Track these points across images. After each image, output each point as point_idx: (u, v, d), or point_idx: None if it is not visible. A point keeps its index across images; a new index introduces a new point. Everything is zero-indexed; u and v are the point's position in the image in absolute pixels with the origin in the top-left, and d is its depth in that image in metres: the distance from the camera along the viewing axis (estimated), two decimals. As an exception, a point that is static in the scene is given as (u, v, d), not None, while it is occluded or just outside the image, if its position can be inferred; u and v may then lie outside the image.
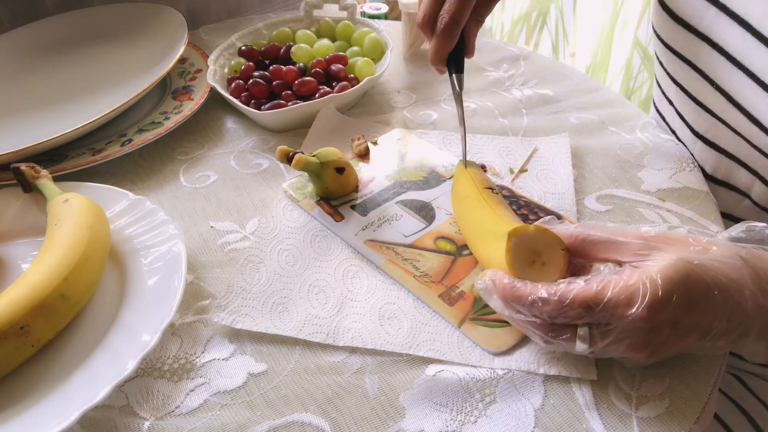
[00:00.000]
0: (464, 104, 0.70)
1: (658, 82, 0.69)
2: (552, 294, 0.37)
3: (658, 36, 0.62)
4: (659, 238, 0.39)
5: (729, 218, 0.61)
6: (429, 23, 0.53)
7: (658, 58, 0.65)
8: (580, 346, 0.37)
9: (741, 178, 0.57)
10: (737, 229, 0.41)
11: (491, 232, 0.44)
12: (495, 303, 0.40)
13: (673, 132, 0.68)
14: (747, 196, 0.58)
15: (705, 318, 0.36)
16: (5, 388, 0.41)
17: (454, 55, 0.54)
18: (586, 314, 0.36)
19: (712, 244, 0.39)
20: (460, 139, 0.55)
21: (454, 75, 0.54)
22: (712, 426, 0.61)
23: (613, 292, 0.36)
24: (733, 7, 0.52)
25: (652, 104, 0.73)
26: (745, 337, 0.37)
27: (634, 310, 0.35)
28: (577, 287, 0.37)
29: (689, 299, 0.36)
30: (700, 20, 0.55)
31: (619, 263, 0.39)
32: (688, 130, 0.63)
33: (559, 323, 0.38)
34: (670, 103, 0.66)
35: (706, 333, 0.36)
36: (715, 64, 0.54)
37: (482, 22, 0.54)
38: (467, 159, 0.53)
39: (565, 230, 0.41)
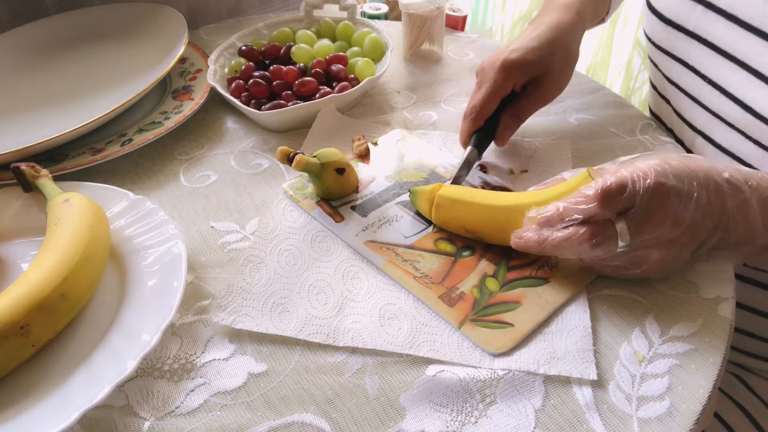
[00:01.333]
0: (465, 104, 0.69)
1: (653, 84, 0.70)
2: (593, 190, 0.42)
3: (649, 39, 0.64)
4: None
5: None
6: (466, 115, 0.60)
7: (651, 60, 0.66)
8: (622, 241, 0.42)
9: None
10: None
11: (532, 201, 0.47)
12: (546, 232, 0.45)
13: (671, 131, 0.68)
14: None
15: (701, 195, 0.42)
16: (5, 388, 0.40)
17: (483, 139, 0.59)
18: (619, 198, 0.41)
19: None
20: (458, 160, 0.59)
21: (469, 147, 0.58)
22: (713, 425, 0.61)
23: (629, 172, 0.42)
24: (718, 3, 0.54)
25: (648, 110, 0.74)
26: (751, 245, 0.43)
27: (648, 181, 0.41)
28: (603, 180, 0.42)
29: (687, 175, 0.42)
30: (688, 19, 0.57)
31: None
32: (686, 127, 0.63)
33: (600, 226, 0.42)
34: (668, 102, 0.66)
35: (704, 217, 0.42)
36: (707, 59, 0.56)
37: (521, 118, 0.60)
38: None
39: (557, 178, 0.49)
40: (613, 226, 0.42)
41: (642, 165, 0.42)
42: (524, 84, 0.59)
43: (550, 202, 0.45)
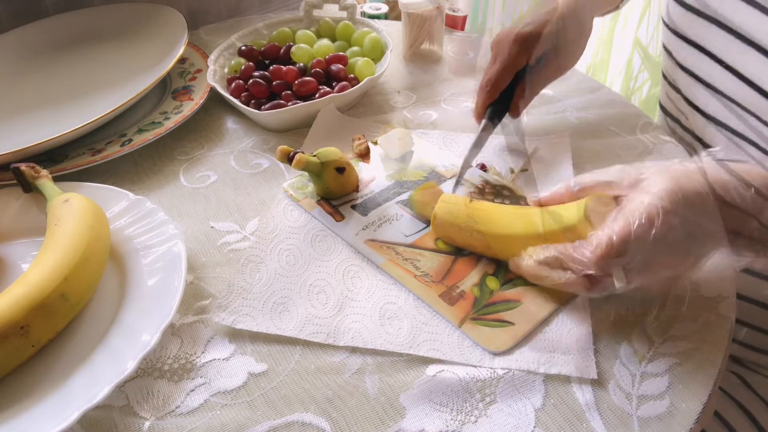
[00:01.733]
0: (465, 104, 0.70)
1: (664, 75, 0.70)
2: (591, 252, 0.42)
3: (667, 26, 0.65)
4: (639, 168, 0.46)
5: None
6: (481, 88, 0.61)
7: (666, 48, 0.67)
8: (618, 283, 0.41)
9: (754, 155, 0.58)
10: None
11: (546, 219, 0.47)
12: (556, 274, 0.44)
13: (679, 121, 0.69)
14: None
15: (705, 217, 0.41)
16: (5, 388, 0.40)
17: (497, 111, 0.60)
18: (623, 250, 0.40)
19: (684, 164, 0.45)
20: (462, 152, 0.60)
21: (484, 120, 0.60)
22: (713, 424, 0.61)
23: (635, 219, 0.41)
24: None
25: (658, 108, 0.74)
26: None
27: (653, 230, 0.40)
28: (601, 242, 0.41)
29: (689, 201, 0.41)
30: (708, 3, 0.58)
31: (615, 198, 0.45)
32: (698, 115, 0.64)
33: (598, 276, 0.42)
34: (678, 91, 0.67)
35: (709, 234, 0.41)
36: (725, 44, 0.57)
37: (535, 90, 0.62)
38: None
39: (561, 188, 0.48)
40: (610, 276, 0.42)
41: (641, 214, 0.41)
42: (538, 57, 0.60)
43: (547, 240, 0.45)
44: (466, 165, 0.58)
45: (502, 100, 0.60)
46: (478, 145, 0.59)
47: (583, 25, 0.61)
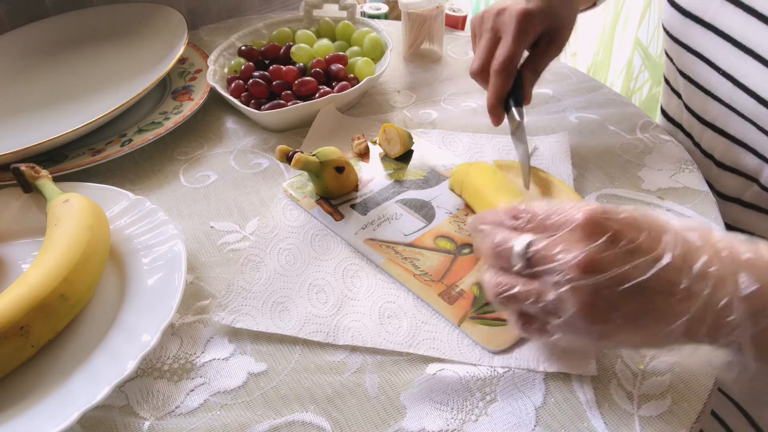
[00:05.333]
0: (465, 103, 0.70)
1: (666, 79, 0.70)
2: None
3: (667, 31, 0.64)
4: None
5: (737, 203, 0.62)
6: (481, 72, 0.57)
7: (667, 54, 0.67)
8: (519, 248, 0.36)
9: (749, 163, 0.58)
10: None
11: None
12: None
13: (680, 126, 0.68)
14: (755, 181, 0.59)
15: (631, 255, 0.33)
16: (5, 388, 0.40)
17: (515, 100, 0.56)
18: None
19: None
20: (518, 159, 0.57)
21: (513, 108, 0.56)
22: (711, 423, 0.61)
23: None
24: None
25: (659, 111, 0.74)
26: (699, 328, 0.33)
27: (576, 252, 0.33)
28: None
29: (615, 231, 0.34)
30: (706, 11, 0.57)
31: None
32: (696, 120, 0.64)
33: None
34: (679, 96, 0.67)
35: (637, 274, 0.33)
36: (722, 51, 0.56)
37: (539, 72, 0.58)
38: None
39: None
40: (510, 247, 0.37)
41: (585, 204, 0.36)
42: (538, 36, 0.57)
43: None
44: (526, 164, 0.55)
45: (514, 86, 0.56)
46: (523, 138, 0.55)
47: (575, 7, 0.59)
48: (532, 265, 0.36)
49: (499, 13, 0.56)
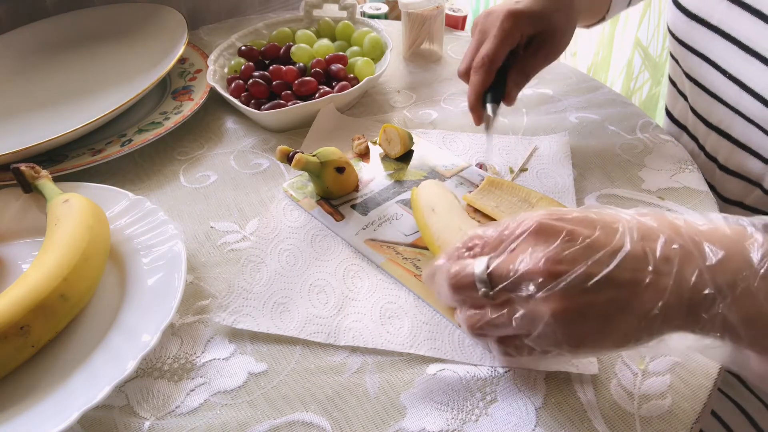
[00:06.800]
0: (465, 103, 0.70)
1: (672, 80, 0.70)
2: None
3: (672, 34, 0.64)
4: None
5: (740, 206, 0.62)
6: (466, 72, 0.58)
7: (673, 56, 0.67)
8: (479, 282, 0.35)
9: (754, 167, 0.58)
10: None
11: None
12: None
13: (685, 128, 0.69)
14: (758, 185, 0.59)
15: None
16: (5, 388, 0.40)
17: (496, 95, 0.56)
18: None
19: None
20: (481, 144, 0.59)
21: (488, 104, 0.56)
22: (712, 423, 0.61)
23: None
24: None
25: (664, 113, 0.74)
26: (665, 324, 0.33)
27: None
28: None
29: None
30: (712, 13, 0.57)
31: None
32: (701, 123, 0.64)
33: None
34: (685, 98, 0.67)
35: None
36: (728, 54, 0.56)
37: (528, 76, 0.58)
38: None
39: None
40: (471, 272, 0.36)
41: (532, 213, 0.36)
42: (528, 39, 0.57)
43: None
44: (488, 157, 0.56)
45: (495, 84, 0.56)
46: (489, 135, 0.57)
47: (573, 13, 0.59)
48: (495, 284, 0.35)
49: (488, 15, 0.57)
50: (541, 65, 0.59)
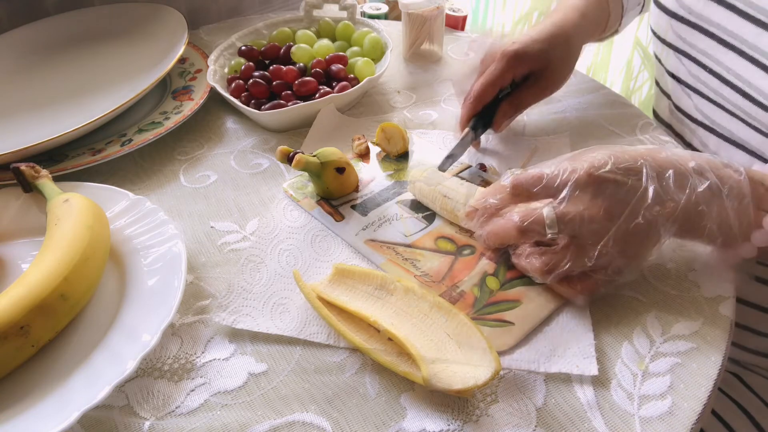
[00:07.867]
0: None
1: (656, 81, 0.70)
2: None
3: (655, 34, 0.65)
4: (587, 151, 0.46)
5: None
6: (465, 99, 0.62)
7: (656, 56, 0.67)
8: (549, 229, 0.43)
9: (740, 160, 0.59)
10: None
11: None
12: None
13: (671, 127, 0.69)
14: None
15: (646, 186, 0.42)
16: (5, 388, 0.40)
17: (480, 124, 0.60)
18: (531, 187, 0.44)
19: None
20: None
21: (466, 129, 0.60)
22: (712, 424, 0.61)
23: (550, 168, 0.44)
24: None
25: (652, 113, 0.75)
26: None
27: (577, 174, 0.42)
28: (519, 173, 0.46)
29: (631, 167, 0.42)
30: (690, 10, 0.58)
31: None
32: (687, 120, 0.64)
33: (527, 213, 0.44)
34: (668, 97, 0.67)
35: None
36: (708, 49, 0.57)
37: (519, 108, 0.61)
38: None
39: (495, 186, 0.47)
40: (541, 217, 0.43)
41: (573, 163, 0.43)
42: (525, 75, 0.60)
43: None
44: (441, 169, 0.57)
45: (485, 112, 0.60)
46: (455, 153, 0.58)
47: (571, 49, 0.61)
48: (562, 228, 0.42)
49: (492, 50, 0.61)
50: (534, 100, 0.61)
